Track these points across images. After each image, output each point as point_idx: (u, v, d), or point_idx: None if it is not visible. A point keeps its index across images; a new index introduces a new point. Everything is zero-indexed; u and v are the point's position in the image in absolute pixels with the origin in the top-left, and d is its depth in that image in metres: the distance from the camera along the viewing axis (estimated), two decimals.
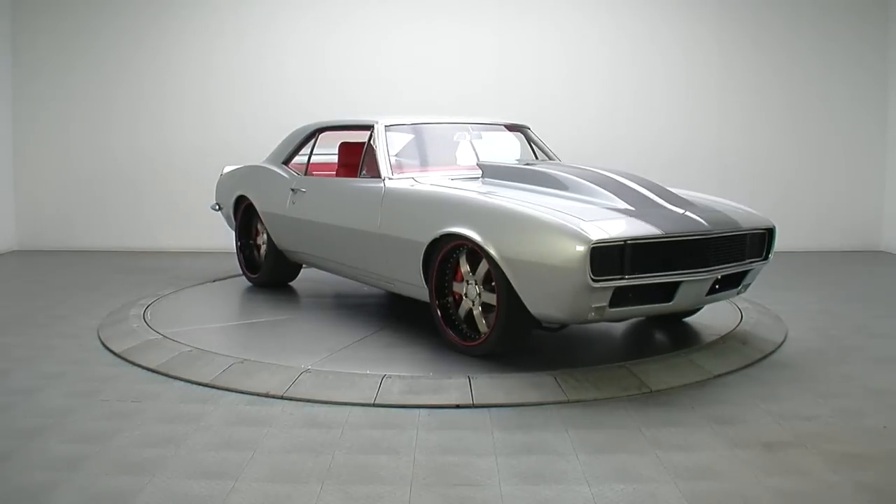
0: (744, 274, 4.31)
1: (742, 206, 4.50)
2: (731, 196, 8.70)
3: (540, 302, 3.80)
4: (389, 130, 5.12)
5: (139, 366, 4.09)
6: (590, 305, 3.65)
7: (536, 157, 5.55)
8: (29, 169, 8.88)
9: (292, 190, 5.62)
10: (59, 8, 8.71)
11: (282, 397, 3.58)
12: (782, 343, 4.58)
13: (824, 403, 3.51)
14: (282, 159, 6.01)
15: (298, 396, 3.58)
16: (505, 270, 3.85)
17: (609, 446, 3.02)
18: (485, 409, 3.44)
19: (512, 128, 5.69)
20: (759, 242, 4.34)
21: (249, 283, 6.35)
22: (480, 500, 2.57)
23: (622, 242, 3.64)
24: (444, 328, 4.30)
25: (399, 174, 4.82)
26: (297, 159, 5.97)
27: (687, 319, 4.98)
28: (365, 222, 4.81)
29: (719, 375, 3.93)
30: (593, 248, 3.54)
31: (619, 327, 4.84)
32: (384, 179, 4.78)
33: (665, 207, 4.08)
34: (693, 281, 3.88)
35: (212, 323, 5.09)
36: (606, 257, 3.60)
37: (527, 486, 2.67)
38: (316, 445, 3.03)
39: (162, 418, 3.33)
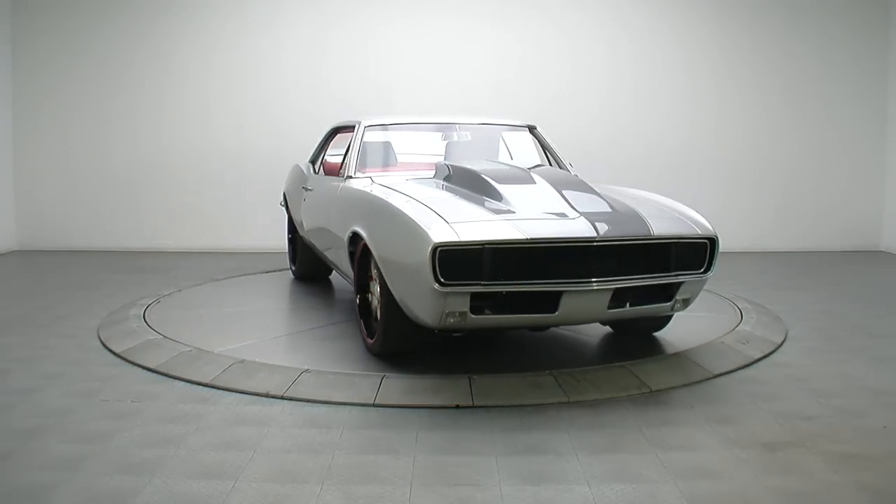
0: (675, 286, 3.90)
1: (688, 213, 4.13)
2: (732, 196, 8.85)
3: (405, 302, 3.73)
4: (370, 130, 5.24)
5: (139, 366, 4.09)
6: (444, 310, 3.51)
7: (547, 157, 5.54)
8: (29, 169, 8.88)
9: (304, 188, 5.86)
10: (59, 8, 8.71)
11: (282, 397, 3.58)
12: (782, 343, 4.57)
13: (824, 403, 3.51)
14: (310, 158, 6.20)
15: (298, 396, 3.58)
16: (380, 268, 3.85)
17: (609, 446, 3.02)
18: (485, 409, 3.44)
19: (519, 127, 5.70)
20: (697, 253, 3.92)
21: (249, 283, 6.41)
22: (480, 500, 2.56)
23: (478, 246, 3.46)
24: (358, 322, 4.37)
25: (360, 174, 4.91)
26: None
27: (686, 319, 4.96)
28: (325, 220, 5.06)
29: (719, 375, 3.93)
30: (437, 250, 3.40)
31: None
32: (345, 179, 4.91)
33: (560, 212, 3.80)
34: (577, 291, 3.58)
35: (212, 323, 5.09)
36: (457, 261, 3.44)
37: (527, 486, 2.67)
38: (316, 445, 3.03)
39: (162, 418, 3.33)
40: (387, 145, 5.41)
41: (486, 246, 3.47)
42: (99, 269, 7.54)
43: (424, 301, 3.56)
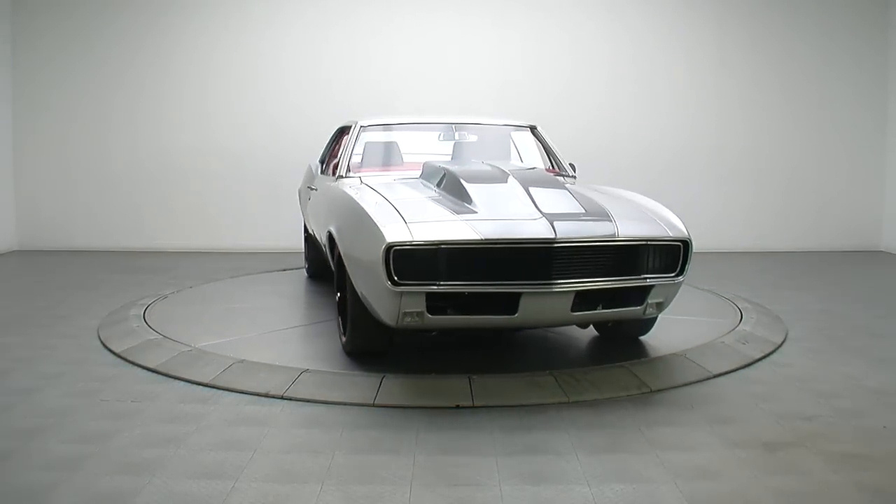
0: (646, 290, 3.79)
1: (664, 214, 4.04)
2: (733, 196, 8.84)
3: (367, 301, 3.75)
4: (366, 130, 5.29)
5: (139, 366, 4.09)
6: (400, 310, 3.50)
7: (549, 157, 5.55)
8: (29, 169, 8.88)
9: (309, 188, 5.96)
10: (59, 9, 8.71)
11: (282, 397, 3.58)
12: (782, 343, 4.57)
13: (824, 403, 3.51)
14: (319, 157, 6.27)
15: (298, 396, 3.58)
16: (346, 266, 3.88)
17: (609, 446, 3.02)
18: (485, 409, 3.44)
19: (520, 128, 5.71)
20: (669, 256, 3.84)
21: (249, 283, 6.42)
22: (480, 500, 2.56)
23: (433, 246, 3.46)
24: (337, 320, 4.41)
25: (351, 174, 4.97)
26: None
27: (686, 319, 4.97)
28: (319, 218, 5.14)
29: (719, 375, 3.93)
30: (391, 249, 3.42)
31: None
32: (336, 178, 4.96)
33: (523, 212, 3.75)
34: (536, 293, 3.54)
35: (212, 323, 5.09)
36: (412, 260, 3.45)
37: (527, 486, 2.67)
38: (316, 445, 3.03)
39: (162, 418, 3.33)
40: (381, 145, 5.46)
41: (441, 246, 3.48)
42: (99, 269, 7.54)
43: (382, 300, 3.57)
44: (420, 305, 3.50)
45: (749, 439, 3.08)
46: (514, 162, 5.53)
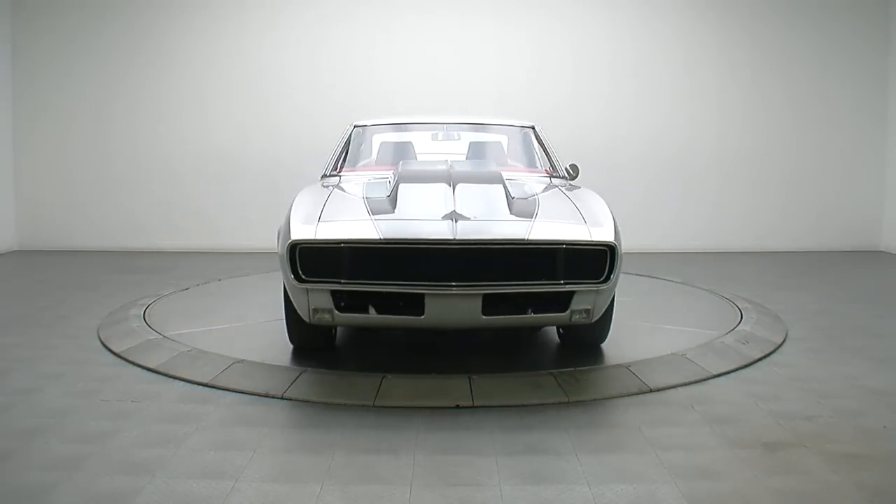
0: (568, 295, 3.63)
1: (599, 218, 3.80)
2: (732, 196, 8.84)
3: (289, 297, 3.83)
4: (362, 130, 5.33)
5: (139, 366, 4.09)
6: (310, 306, 3.58)
7: (547, 156, 5.54)
8: (29, 169, 8.88)
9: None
10: (59, 9, 8.72)
11: (282, 397, 3.58)
12: (782, 343, 4.57)
13: (824, 403, 3.51)
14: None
15: (298, 396, 3.58)
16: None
17: (609, 446, 3.02)
18: (485, 409, 3.44)
19: (519, 128, 5.70)
20: (596, 262, 3.64)
21: (249, 282, 6.41)
22: (480, 500, 2.56)
23: (336, 245, 3.52)
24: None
25: (334, 173, 5.05)
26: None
27: (686, 320, 4.97)
28: None
29: (719, 375, 3.93)
30: (295, 247, 3.54)
31: (619, 328, 4.83)
32: (321, 178, 5.04)
33: (438, 212, 3.68)
34: (439, 295, 3.50)
35: (212, 323, 5.09)
36: (317, 258, 3.53)
37: (527, 486, 2.67)
38: (316, 445, 3.03)
39: (162, 418, 3.33)
40: (371, 146, 5.48)
41: (344, 245, 3.53)
42: (99, 269, 7.54)
43: (294, 296, 3.69)
44: (328, 303, 3.57)
45: (749, 439, 3.07)
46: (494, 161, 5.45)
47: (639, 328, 4.85)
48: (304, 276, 3.55)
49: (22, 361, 4.21)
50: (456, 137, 5.58)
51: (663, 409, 3.45)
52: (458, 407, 3.47)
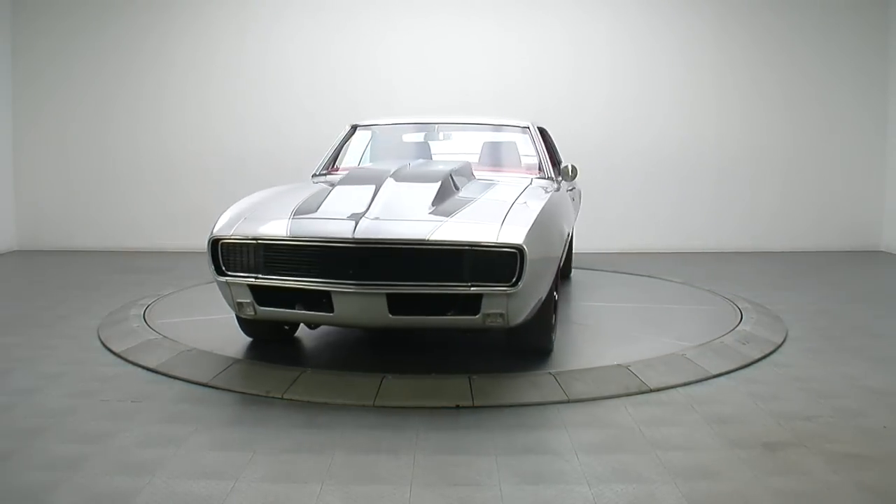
0: (477, 298, 3.52)
1: (518, 219, 3.66)
2: (732, 196, 8.84)
3: None
4: (361, 130, 5.39)
5: (139, 366, 4.09)
6: (234, 299, 3.80)
7: (538, 156, 5.54)
8: (29, 169, 8.88)
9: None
10: (59, 9, 8.72)
11: (282, 397, 3.58)
12: (782, 343, 4.57)
13: (824, 403, 3.51)
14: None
15: (298, 396, 3.58)
16: None
17: (609, 446, 3.02)
18: (485, 409, 3.44)
19: (518, 128, 5.70)
20: (506, 264, 3.49)
21: None
22: (480, 500, 2.56)
23: (250, 241, 3.72)
24: None
25: (324, 172, 5.17)
26: None
27: (687, 319, 4.97)
28: None
29: (719, 375, 3.93)
30: (217, 242, 3.80)
31: (619, 328, 4.83)
32: (312, 177, 5.17)
33: (351, 212, 3.75)
34: (344, 293, 3.54)
35: (212, 323, 5.09)
36: (234, 253, 3.77)
37: (527, 486, 2.67)
38: (316, 445, 3.03)
39: (162, 418, 3.33)
40: (368, 146, 5.54)
41: (257, 241, 3.72)
42: (99, 269, 7.54)
43: (220, 289, 3.89)
44: (247, 296, 3.75)
45: (749, 439, 3.07)
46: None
47: (638, 328, 4.85)
48: (225, 270, 3.77)
49: (22, 361, 4.21)
50: (442, 138, 5.60)
51: (663, 409, 3.45)
52: (457, 407, 3.47)
